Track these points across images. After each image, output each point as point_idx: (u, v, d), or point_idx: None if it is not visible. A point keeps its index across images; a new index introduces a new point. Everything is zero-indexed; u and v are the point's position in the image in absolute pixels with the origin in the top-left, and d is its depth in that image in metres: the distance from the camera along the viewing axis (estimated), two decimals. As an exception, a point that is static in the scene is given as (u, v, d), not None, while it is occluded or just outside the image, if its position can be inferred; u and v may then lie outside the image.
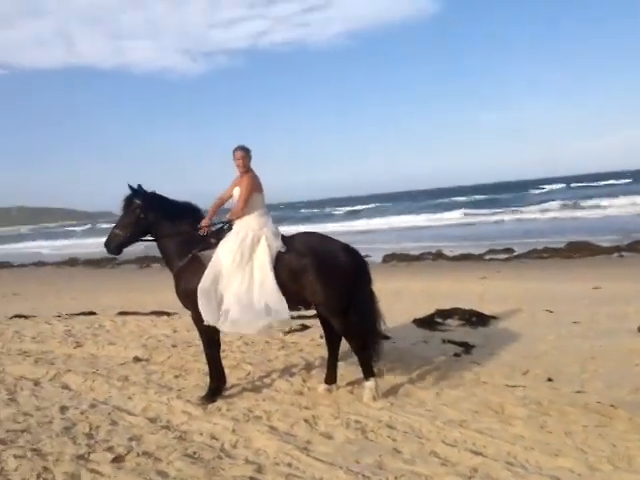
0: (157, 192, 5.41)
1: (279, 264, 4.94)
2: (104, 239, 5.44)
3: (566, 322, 7.72)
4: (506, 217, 36.88)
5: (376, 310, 5.22)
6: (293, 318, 8.44)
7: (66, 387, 5.83)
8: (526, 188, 71.79)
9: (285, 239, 5.11)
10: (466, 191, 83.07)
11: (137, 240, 5.40)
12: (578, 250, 17.98)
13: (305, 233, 5.36)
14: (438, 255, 20.06)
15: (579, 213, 34.43)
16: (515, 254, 18.88)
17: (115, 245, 5.31)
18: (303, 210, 75.43)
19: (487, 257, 18.87)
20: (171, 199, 5.42)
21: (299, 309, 5.48)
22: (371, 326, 5.14)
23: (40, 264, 29.82)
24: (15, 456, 4.04)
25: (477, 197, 62.71)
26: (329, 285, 4.91)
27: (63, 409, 5.11)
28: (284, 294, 4.87)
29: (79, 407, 5.14)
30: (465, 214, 41.00)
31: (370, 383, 5.05)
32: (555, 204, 40.10)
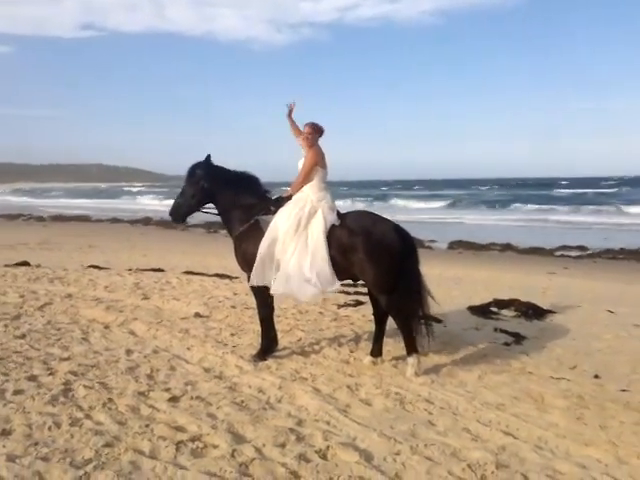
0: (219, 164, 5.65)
1: (331, 238, 5.12)
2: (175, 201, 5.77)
3: (627, 323, 7.53)
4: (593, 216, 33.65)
5: (423, 290, 5.32)
6: (349, 294, 8.72)
7: (132, 333, 6.34)
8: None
9: (340, 215, 5.28)
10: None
11: (200, 209, 5.71)
12: (658, 254, 17.11)
13: (359, 212, 5.52)
14: (506, 246, 19.60)
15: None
16: (588, 252, 18.23)
17: (180, 214, 5.66)
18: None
19: (558, 253, 18.26)
20: (231, 169, 5.66)
21: (355, 285, 5.61)
22: (417, 305, 5.28)
23: (115, 220, 31.45)
24: (85, 386, 4.53)
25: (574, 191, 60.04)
26: (378, 264, 5.05)
27: (129, 352, 5.59)
28: (333, 267, 5.07)
29: (143, 351, 5.61)
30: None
31: (412, 359, 5.21)
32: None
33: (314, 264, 5.06)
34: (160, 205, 46.91)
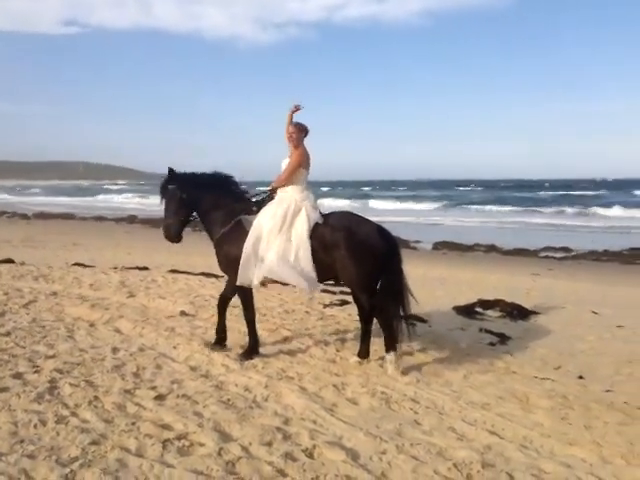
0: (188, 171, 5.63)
1: (314, 235, 5.15)
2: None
3: (610, 325, 7.62)
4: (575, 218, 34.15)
5: (405, 290, 5.36)
6: (334, 294, 8.73)
7: (118, 331, 6.30)
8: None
9: (323, 214, 5.31)
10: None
11: (190, 220, 5.69)
12: (641, 256, 17.25)
13: (342, 212, 5.56)
14: (491, 248, 19.69)
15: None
16: (572, 254, 18.36)
17: (173, 234, 5.63)
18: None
19: (542, 254, 18.37)
20: (202, 173, 5.60)
21: (340, 285, 5.60)
22: (398, 305, 5.31)
23: (100, 218, 31.13)
24: (70, 384, 4.50)
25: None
26: (359, 263, 5.09)
27: (114, 350, 5.56)
28: (316, 265, 5.10)
29: (129, 350, 5.58)
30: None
31: (390, 356, 5.27)
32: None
33: (297, 262, 5.09)
34: (145, 204, 46.63)
